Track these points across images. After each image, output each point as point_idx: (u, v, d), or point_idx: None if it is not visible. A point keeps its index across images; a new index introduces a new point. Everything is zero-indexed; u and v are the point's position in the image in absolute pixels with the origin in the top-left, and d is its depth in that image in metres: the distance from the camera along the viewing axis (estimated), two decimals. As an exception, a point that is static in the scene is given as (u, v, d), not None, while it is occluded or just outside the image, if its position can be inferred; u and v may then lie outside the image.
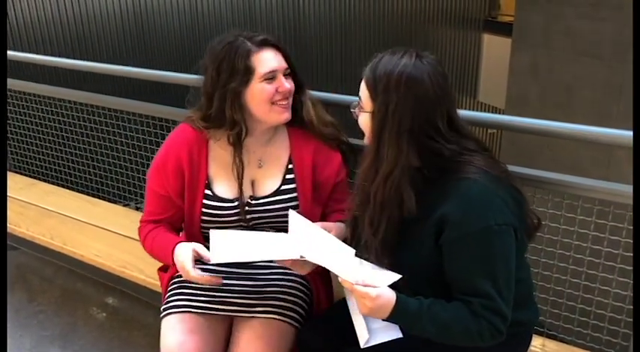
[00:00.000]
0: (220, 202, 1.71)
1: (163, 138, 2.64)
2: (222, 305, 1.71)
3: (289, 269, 1.78)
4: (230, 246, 1.53)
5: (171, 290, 1.79)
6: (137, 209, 3.21)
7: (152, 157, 2.80)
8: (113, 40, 6.27)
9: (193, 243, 1.60)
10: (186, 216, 1.74)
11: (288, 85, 1.63)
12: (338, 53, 7.62)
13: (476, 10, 8.67)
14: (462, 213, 1.33)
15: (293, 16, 7.33)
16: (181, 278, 1.78)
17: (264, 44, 1.61)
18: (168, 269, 1.87)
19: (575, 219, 1.85)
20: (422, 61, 1.36)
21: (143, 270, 2.37)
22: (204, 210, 1.71)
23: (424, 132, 1.35)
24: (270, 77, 1.60)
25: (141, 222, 1.80)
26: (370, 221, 1.42)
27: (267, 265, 1.80)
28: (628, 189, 1.65)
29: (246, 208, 1.70)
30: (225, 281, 1.74)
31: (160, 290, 1.93)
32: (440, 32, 8.43)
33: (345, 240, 1.52)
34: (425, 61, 1.36)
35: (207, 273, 1.61)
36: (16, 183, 3.18)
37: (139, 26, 6.42)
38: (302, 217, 1.56)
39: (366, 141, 1.45)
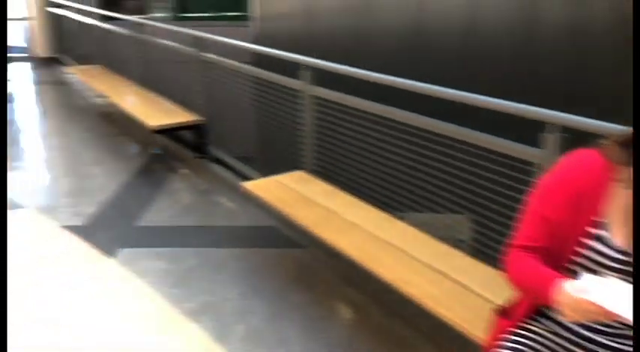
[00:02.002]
0: (607, 248, 1.51)
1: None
2: None
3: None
4: (612, 298, 1.37)
5: (505, 340, 1.68)
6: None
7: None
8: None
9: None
10: (555, 251, 1.57)
11: None
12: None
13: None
14: None
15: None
16: (520, 332, 1.68)
17: None
18: (506, 314, 1.76)
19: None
20: None
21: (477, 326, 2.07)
22: (582, 250, 1.53)
23: None
24: None
25: (512, 246, 1.66)
26: None
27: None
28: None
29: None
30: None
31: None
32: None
33: None
34: None
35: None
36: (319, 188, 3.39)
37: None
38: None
39: None
